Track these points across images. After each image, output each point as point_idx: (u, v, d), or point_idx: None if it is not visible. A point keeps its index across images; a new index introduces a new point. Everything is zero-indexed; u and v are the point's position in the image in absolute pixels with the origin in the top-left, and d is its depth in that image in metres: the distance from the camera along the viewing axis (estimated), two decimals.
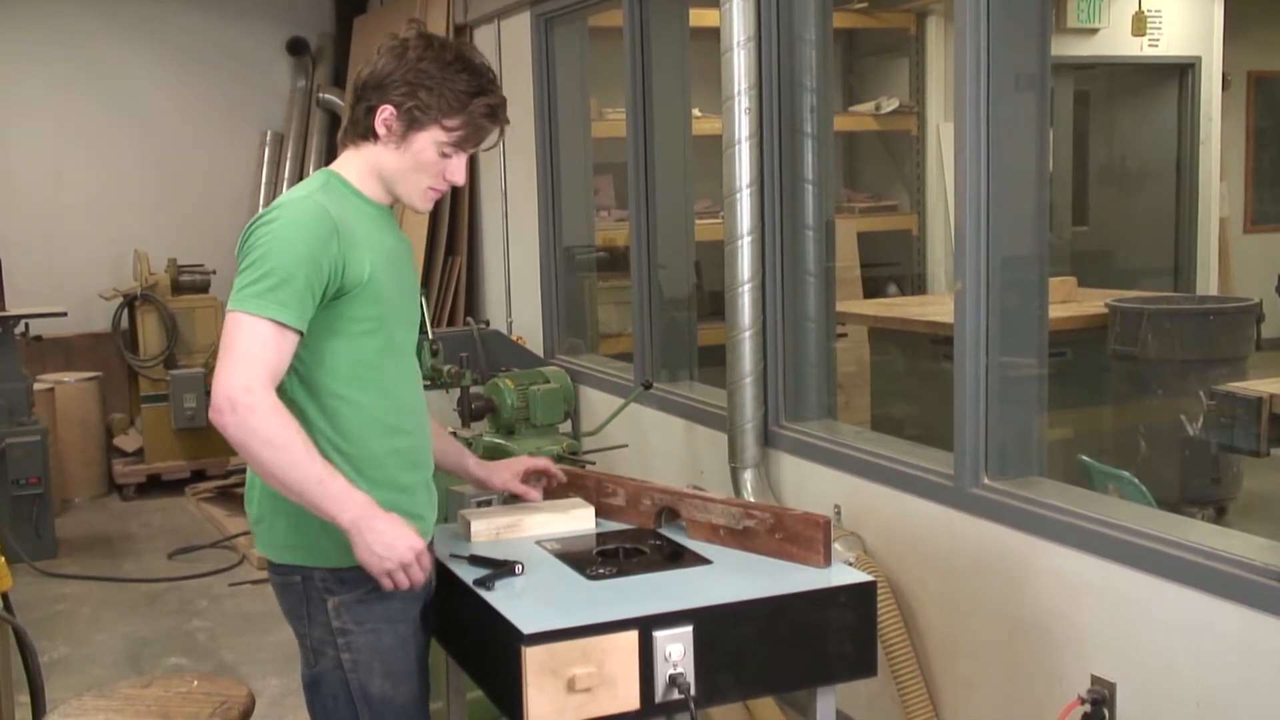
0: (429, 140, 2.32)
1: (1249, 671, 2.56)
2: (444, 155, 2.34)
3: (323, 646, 2.35)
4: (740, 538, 2.56)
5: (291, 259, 2.19)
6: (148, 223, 7.95)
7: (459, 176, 2.38)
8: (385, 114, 2.32)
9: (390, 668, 2.37)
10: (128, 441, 7.67)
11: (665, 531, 2.70)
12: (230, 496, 7.01)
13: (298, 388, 2.31)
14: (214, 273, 7.75)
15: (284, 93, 8.33)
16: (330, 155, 8.01)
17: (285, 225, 2.22)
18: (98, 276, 7.76)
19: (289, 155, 8.22)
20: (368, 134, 2.35)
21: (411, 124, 2.31)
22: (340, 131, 2.44)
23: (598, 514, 2.74)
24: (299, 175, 8.19)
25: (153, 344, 7.43)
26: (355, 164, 2.38)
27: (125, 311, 7.52)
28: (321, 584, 2.34)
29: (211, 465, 7.43)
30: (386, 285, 2.33)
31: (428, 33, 2.38)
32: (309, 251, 2.20)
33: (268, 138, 8.25)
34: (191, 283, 7.67)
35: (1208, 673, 2.65)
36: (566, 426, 4.48)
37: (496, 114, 2.35)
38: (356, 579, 2.32)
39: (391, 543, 2.21)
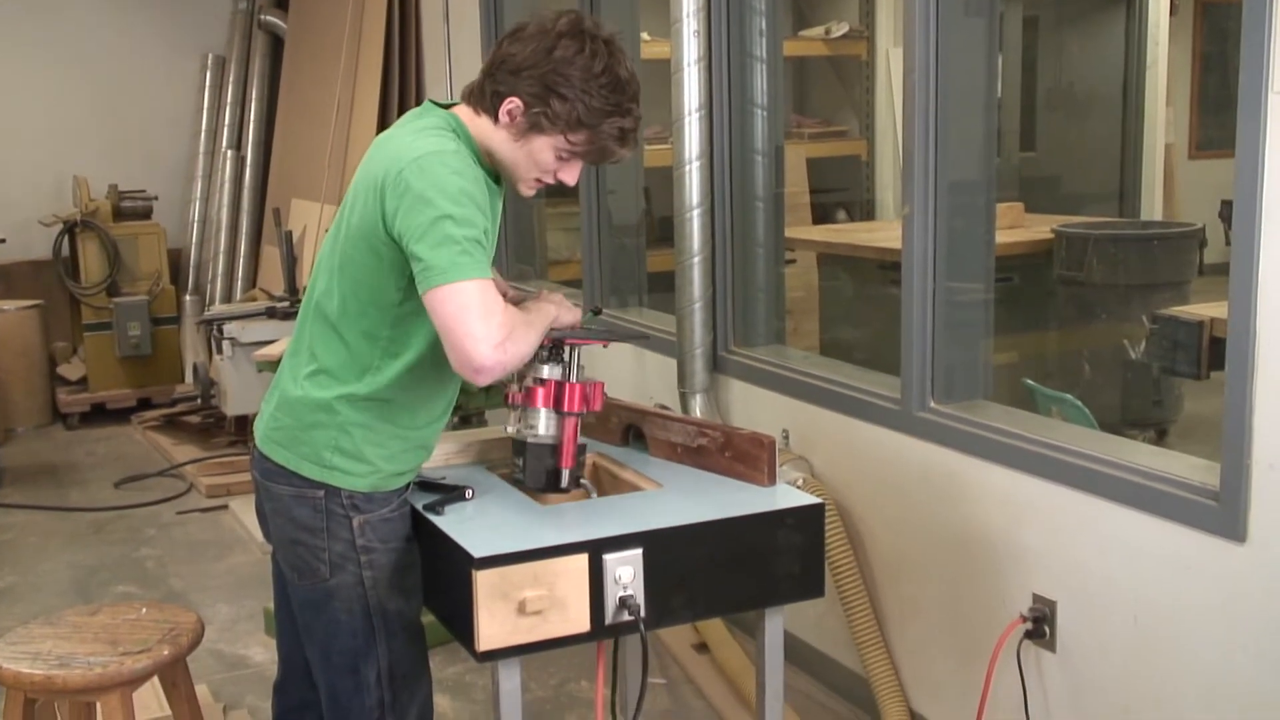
0: (548, 144, 2.26)
1: (1186, 588, 2.62)
2: (560, 159, 2.29)
3: (344, 562, 2.35)
4: (695, 455, 2.60)
5: (479, 219, 2.15)
6: (88, 147, 7.80)
7: (570, 178, 2.32)
8: (511, 105, 2.24)
9: (405, 584, 2.40)
10: (71, 370, 7.59)
11: (630, 448, 2.72)
12: (177, 425, 6.96)
13: (377, 325, 2.29)
14: (155, 198, 7.64)
15: (225, 15, 8.16)
16: (274, 79, 7.93)
17: (463, 188, 2.16)
18: (37, 203, 7.62)
19: (231, 79, 8.08)
20: (490, 112, 2.28)
21: (534, 126, 2.24)
22: (467, 87, 2.34)
23: None
24: (241, 99, 8.06)
25: (94, 271, 7.32)
26: (475, 130, 2.30)
27: (66, 238, 7.39)
28: (348, 501, 2.34)
29: (157, 393, 7.37)
30: (489, 247, 2.27)
31: (584, 29, 2.24)
32: (483, 209, 2.18)
33: (209, 61, 8.10)
34: (133, 209, 7.54)
35: (1146, 590, 2.71)
36: None
37: (626, 138, 2.28)
38: (384, 498, 2.36)
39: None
